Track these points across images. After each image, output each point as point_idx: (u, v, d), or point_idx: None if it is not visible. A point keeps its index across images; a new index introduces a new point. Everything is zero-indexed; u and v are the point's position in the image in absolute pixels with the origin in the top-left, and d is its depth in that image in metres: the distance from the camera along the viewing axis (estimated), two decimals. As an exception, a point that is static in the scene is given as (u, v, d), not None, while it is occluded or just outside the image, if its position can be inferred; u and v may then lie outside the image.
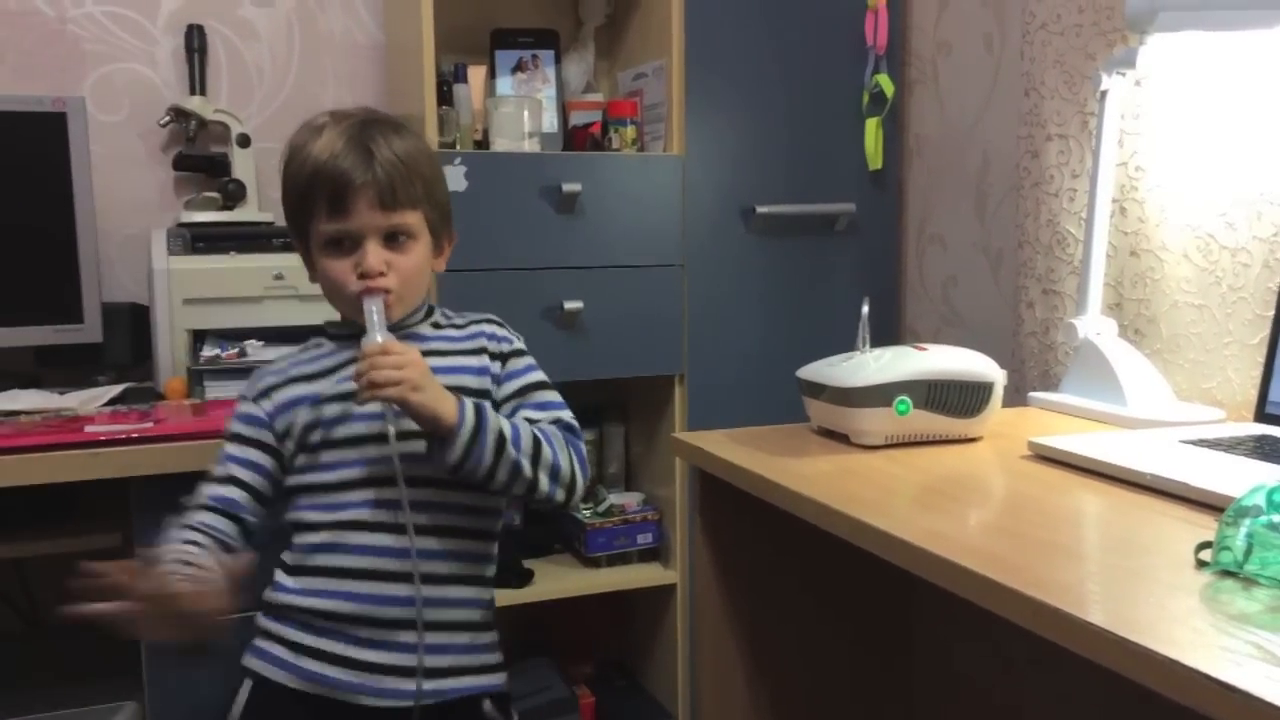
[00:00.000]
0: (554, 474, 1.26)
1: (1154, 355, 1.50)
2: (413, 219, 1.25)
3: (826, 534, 1.07)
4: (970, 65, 2.05)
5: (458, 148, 1.95)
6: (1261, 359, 1.31)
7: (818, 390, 1.34)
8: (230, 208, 1.98)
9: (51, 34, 1.99)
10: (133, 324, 1.92)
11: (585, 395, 2.23)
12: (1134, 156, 1.54)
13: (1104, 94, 1.49)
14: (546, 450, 1.25)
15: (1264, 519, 0.81)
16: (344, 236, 1.23)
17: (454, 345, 1.32)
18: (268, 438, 1.27)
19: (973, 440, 1.32)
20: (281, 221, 1.99)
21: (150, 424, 1.49)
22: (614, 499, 2.17)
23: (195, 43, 2.02)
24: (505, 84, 2.11)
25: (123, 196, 2.04)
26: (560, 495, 1.27)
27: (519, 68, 2.12)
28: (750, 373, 2.10)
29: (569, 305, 1.93)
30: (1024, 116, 1.73)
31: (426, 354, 1.26)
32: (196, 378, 1.81)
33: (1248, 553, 0.80)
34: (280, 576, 1.27)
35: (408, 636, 1.23)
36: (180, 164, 2.03)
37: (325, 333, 1.34)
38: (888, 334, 2.16)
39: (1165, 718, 1.22)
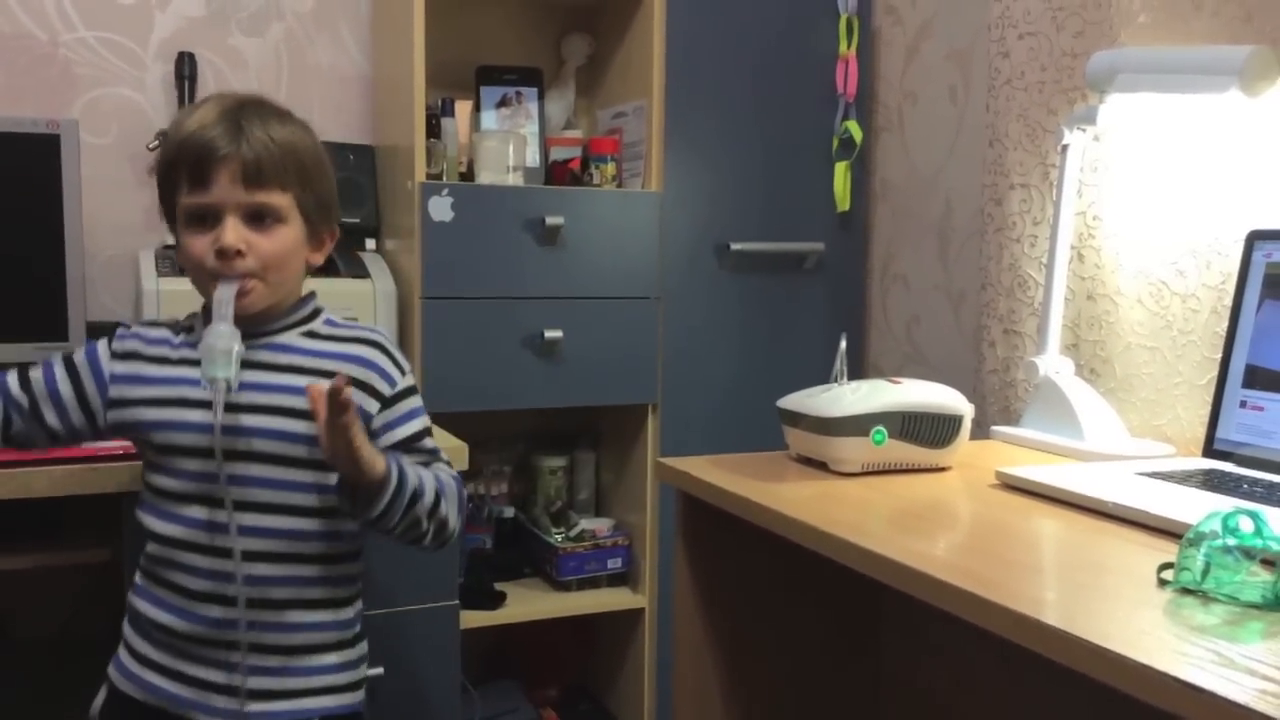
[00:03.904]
0: (440, 528, 1.25)
1: (1109, 393, 1.59)
2: (280, 200, 1.19)
3: (802, 557, 1.13)
4: (935, 115, 2.15)
5: (444, 179, 2.01)
6: (1209, 399, 1.41)
7: (797, 419, 1.40)
8: (216, 231, 2.01)
9: (43, 57, 2.02)
10: (115, 343, 1.94)
11: (558, 422, 2.30)
12: (1092, 206, 1.64)
13: (1065, 147, 1.58)
14: (443, 505, 1.24)
15: (1219, 542, 0.89)
16: (204, 211, 1.17)
17: (320, 364, 1.24)
18: (91, 391, 1.24)
19: (943, 469, 1.39)
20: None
21: (143, 441, 1.51)
22: (585, 524, 2.21)
23: (185, 70, 2.06)
24: (490, 119, 2.18)
25: (108, 218, 2.06)
26: (432, 547, 1.27)
27: (503, 103, 2.19)
28: (721, 403, 2.17)
29: (549, 334, 1.99)
30: (988, 165, 1.83)
31: (282, 369, 1.23)
32: (181, 397, 1.83)
33: (1205, 572, 0.88)
34: (137, 577, 1.27)
35: (230, 656, 1.21)
36: (167, 187, 2.06)
37: (201, 317, 1.26)
38: (853, 370, 2.23)
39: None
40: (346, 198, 2.06)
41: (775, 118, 2.18)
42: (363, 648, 1.32)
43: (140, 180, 2.09)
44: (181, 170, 1.18)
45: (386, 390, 1.26)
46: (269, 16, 2.17)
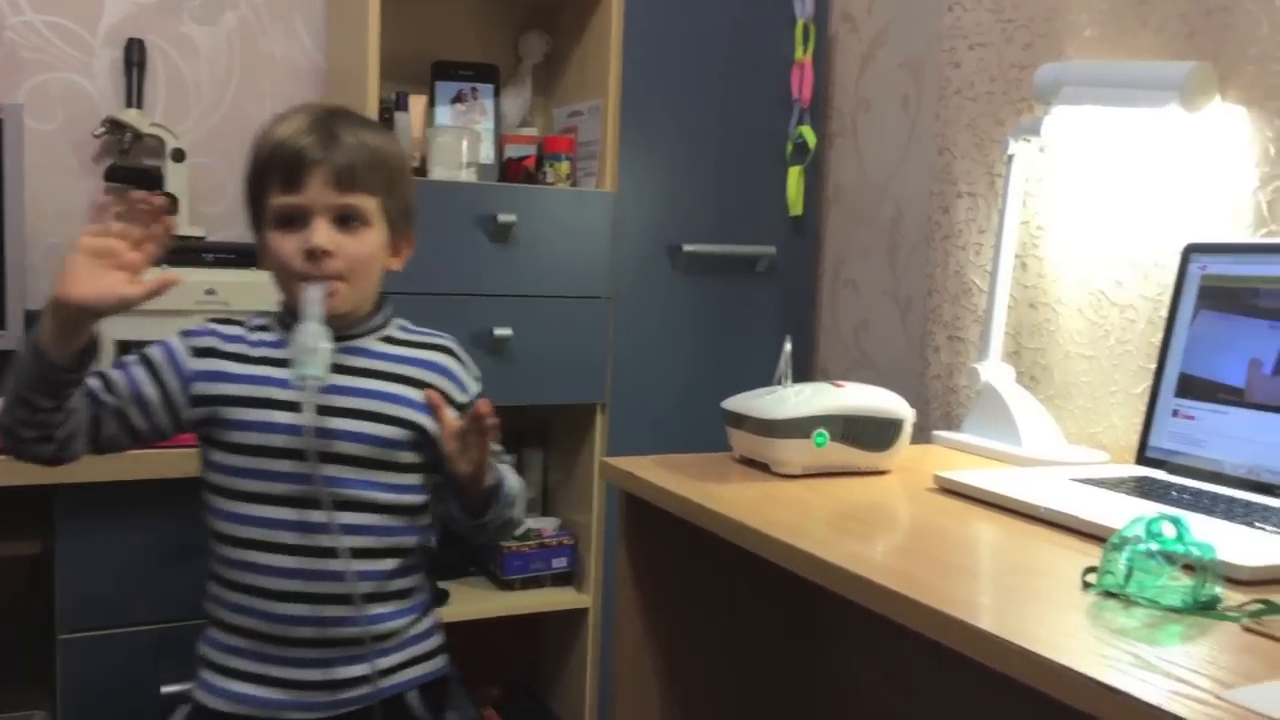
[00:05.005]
0: (513, 527, 1.35)
1: (1047, 400, 1.62)
2: (368, 204, 1.23)
3: (743, 557, 1.14)
4: (888, 122, 2.17)
5: (395, 174, 1.99)
6: (1143, 408, 1.43)
7: (741, 421, 1.41)
8: (162, 221, 1.99)
9: (-13, 38, 1.98)
10: (56, 332, 1.90)
11: (506, 420, 2.27)
12: (1036, 216, 1.67)
13: (1011, 158, 1.61)
14: (518, 506, 1.34)
15: (1142, 547, 0.91)
16: (295, 212, 1.20)
17: (398, 369, 1.28)
18: (175, 390, 1.23)
19: (883, 473, 1.41)
20: (214, 236, 2.03)
21: (80, 431, 1.49)
22: (531, 523, 2.21)
23: (135, 56, 2.03)
24: (444, 114, 2.17)
25: (51, 205, 2.03)
26: (495, 542, 1.33)
27: (458, 99, 2.18)
28: (671, 404, 2.18)
29: (499, 332, 1.98)
30: (936, 174, 1.85)
31: (363, 373, 1.26)
32: (122, 388, 1.81)
33: (1128, 576, 0.90)
34: (208, 585, 1.27)
35: (320, 653, 1.23)
36: (112, 175, 2.03)
37: (279, 317, 1.29)
38: (802, 373, 2.25)
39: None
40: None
41: (730, 121, 2.19)
42: (436, 614, 1.37)
43: (85, 168, 2.06)
44: (274, 174, 1.21)
45: (462, 398, 1.32)
46: (222, 5, 2.15)
